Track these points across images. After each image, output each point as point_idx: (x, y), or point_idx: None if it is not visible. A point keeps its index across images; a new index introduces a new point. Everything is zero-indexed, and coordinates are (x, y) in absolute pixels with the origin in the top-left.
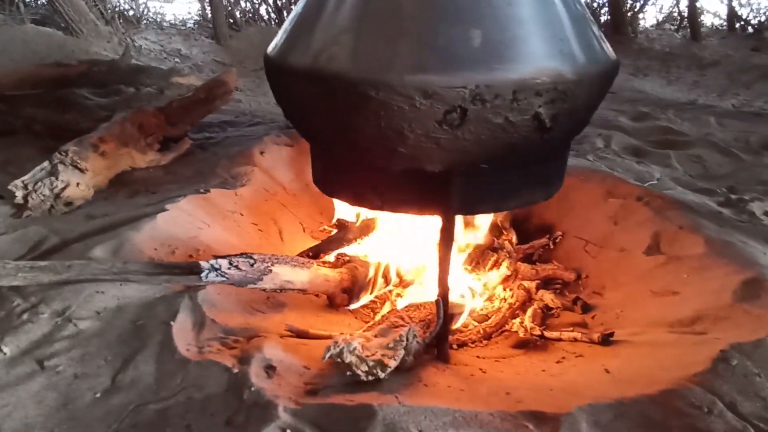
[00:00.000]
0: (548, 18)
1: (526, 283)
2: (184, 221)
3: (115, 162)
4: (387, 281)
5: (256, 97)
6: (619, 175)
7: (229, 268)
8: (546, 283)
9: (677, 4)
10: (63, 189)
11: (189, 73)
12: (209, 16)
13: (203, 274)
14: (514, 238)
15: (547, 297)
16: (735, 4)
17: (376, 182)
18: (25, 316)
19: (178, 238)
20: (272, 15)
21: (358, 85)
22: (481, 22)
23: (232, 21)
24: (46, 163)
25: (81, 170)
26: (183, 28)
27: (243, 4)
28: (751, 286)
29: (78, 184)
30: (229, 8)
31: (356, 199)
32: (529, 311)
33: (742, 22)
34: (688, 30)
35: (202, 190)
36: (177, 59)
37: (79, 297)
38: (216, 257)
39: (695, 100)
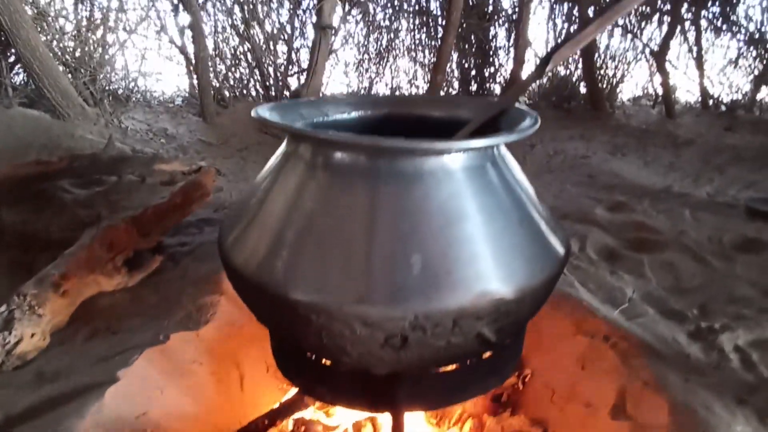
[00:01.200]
0: (491, 233)
1: None
2: (136, 392)
3: (78, 295)
4: None
5: (237, 183)
6: (588, 304)
7: None
8: None
9: (651, 81)
10: (16, 344)
11: (171, 158)
12: (197, 92)
13: None
14: None
15: None
16: (707, 82)
17: (324, 377)
18: None
19: (126, 420)
20: (260, 91)
21: (298, 307)
22: (421, 245)
23: (220, 97)
24: (3, 308)
25: (39, 315)
26: (171, 105)
27: (231, 81)
28: None
29: (33, 335)
30: (218, 86)
31: (306, 390)
32: None
33: (715, 101)
34: (662, 108)
35: (161, 338)
36: (163, 139)
37: None
38: None
39: (670, 187)
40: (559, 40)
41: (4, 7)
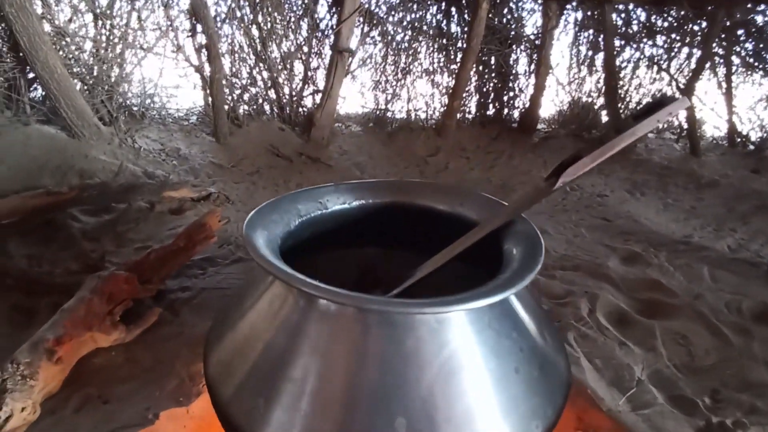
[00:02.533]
0: (487, 386)
1: None
2: None
3: (73, 357)
4: None
5: (246, 213)
6: (593, 392)
7: None
8: None
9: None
10: (6, 421)
11: (181, 184)
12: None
13: None
14: None
15: None
16: (735, 119)
17: None
18: None
19: None
20: (275, 110)
21: None
22: (408, 407)
23: (234, 116)
24: None
25: (31, 385)
26: (185, 123)
27: (246, 99)
28: None
29: (23, 409)
30: (232, 104)
31: None
32: None
33: (743, 139)
34: (687, 142)
35: (150, 416)
36: (175, 161)
37: None
38: None
39: (690, 237)
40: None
41: (23, 29)
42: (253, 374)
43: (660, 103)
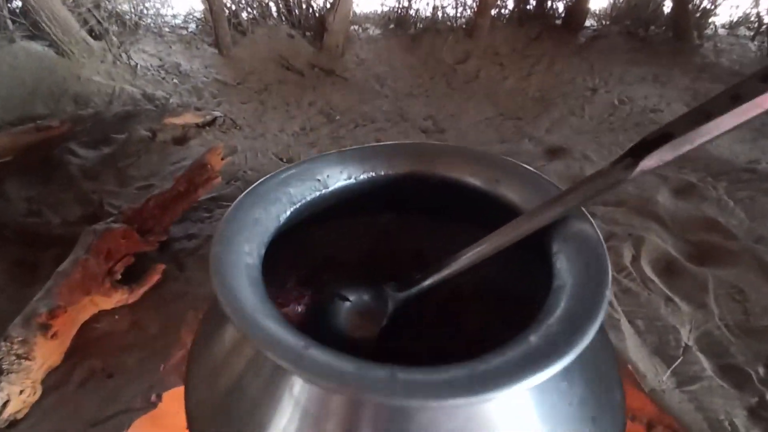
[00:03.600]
0: None
1: None
2: None
3: (71, 328)
4: None
5: (255, 140)
6: (634, 366)
7: None
8: None
9: (756, 4)
10: (4, 406)
11: (182, 109)
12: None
13: None
14: None
15: None
16: None
17: None
18: None
19: None
20: (283, 12)
21: None
22: None
23: (237, 22)
24: None
25: (28, 360)
26: (184, 32)
27: (249, 1)
28: None
29: (21, 391)
30: (234, 8)
31: None
32: None
33: None
34: (766, 40)
35: (154, 398)
36: (176, 79)
37: None
38: None
39: (757, 163)
40: None
41: None
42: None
43: None
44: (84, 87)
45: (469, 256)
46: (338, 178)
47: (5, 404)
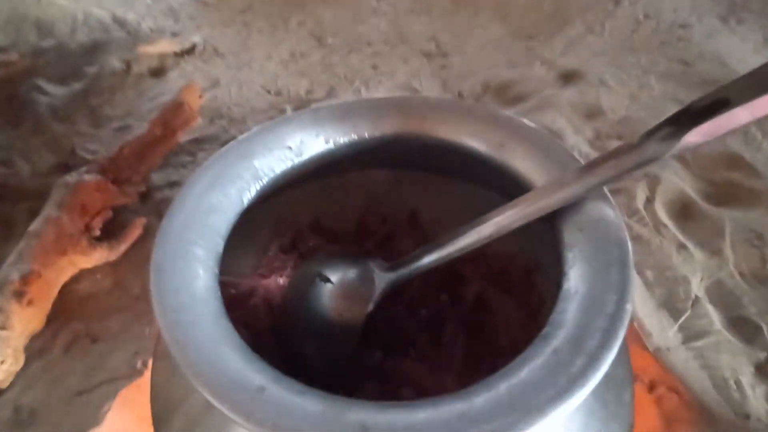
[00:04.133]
0: None
1: None
2: None
3: (48, 294)
4: None
5: (239, 70)
6: (639, 323)
7: None
8: None
9: None
10: None
11: (158, 37)
12: None
13: None
14: None
15: None
16: None
17: None
18: None
19: None
20: None
21: None
22: None
23: None
24: None
25: (5, 331)
26: None
27: None
28: None
29: (2, 361)
30: None
31: None
32: None
33: None
34: None
35: (139, 365)
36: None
37: None
38: None
39: None
40: None
41: None
42: None
43: None
44: (45, 11)
45: (469, 237)
46: (313, 143)
47: None
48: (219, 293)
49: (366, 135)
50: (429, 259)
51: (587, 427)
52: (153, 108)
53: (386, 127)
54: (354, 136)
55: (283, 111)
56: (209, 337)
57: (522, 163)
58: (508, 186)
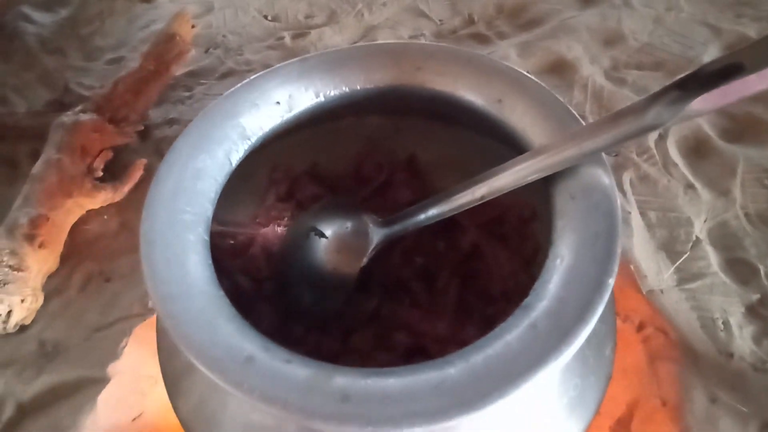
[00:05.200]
0: None
1: None
2: (128, 391)
3: (58, 235)
4: None
5: None
6: (636, 266)
7: None
8: None
9: None
10: (8, 315)
11: None
12: None
13: None
14: None
15: None
16: None
17: None
18: None
19: (122, 427)
20: None
21: None
22: None
23: None
24: None
25: (21, 272)
26: None
27: None
28: None
29: (22, 300)
30: None
31: None
32: None
33: None
34: None
35: (150, 304)
36: None
37: None
38: None
39: None
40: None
41: None
42: None
43: None
44: None
45: (463, 196)
46: (303, 97)
47: (9, 314)
48: (211, 262)
49: (358, 87)
50: (424, 215)
51: (565, 381)
52: (145, 38)
53: (378, 78)
54: (345, 89)
55: (281, 39)
56: (201, 308)
57: (520, 120)
58: (506, 137)
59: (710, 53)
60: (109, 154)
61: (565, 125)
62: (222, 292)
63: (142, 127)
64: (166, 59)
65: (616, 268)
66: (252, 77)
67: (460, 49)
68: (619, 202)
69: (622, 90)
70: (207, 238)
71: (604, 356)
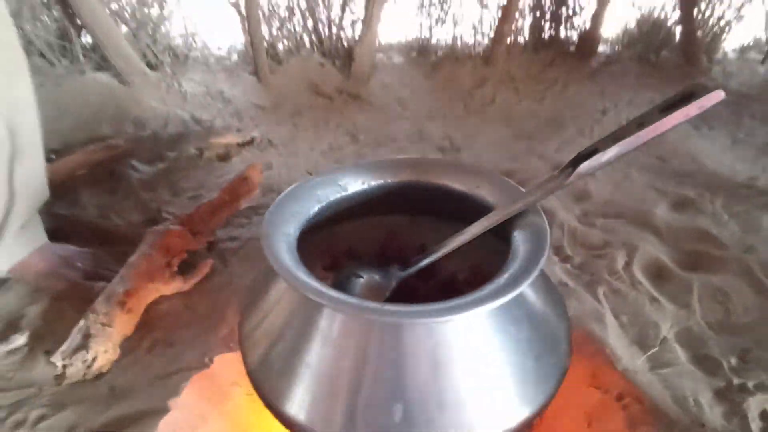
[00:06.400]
0: (476, 378)
1: None
2: (183, 422)
3: (140, 306)
4: None
5: (288, 157)
6: (611, 352)
7: None
8: None
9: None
10: (93, 360)
11: (226, 131)
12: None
13: None
14: None
15: None
16: None
17: None
18: None
19: None
20: (315, 42)
21: (293, 424)
22: (404, 394)
23: (274, 52)
24: (82, 323)
25: (109, 330)
26: (228, 63)
27: (285, 34)
28: None
29: (105, 351)
30: (271, 40)
31: None
32: None
33: None
34: None
35: (207, 360)
36: (220, 104)
37: None
38: None
39: (755, 180)
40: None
41: None
42: (276, 356)
43: (691, 94)
44: (142, 111)
45: (453, 242)
46: (355, 183)
47: (94, 360)
48: (296, 249)
49: (389, 180)
50: (426, 260)
51: (528, 352)
52: (220, 183)
53: (403, 175)
54: (381, 181)
55: None
56: (294, 266)
57: (490, 195)
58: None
59: (660, 208)
60: (185, 255)
61: (514, 194)
62: (300, 262)
63: (212, 239)
64: (238, 194)
65: (547, 253)
66: (326, 170)
67: (455, 160)
68: (549, 232)
69: (593, 230)
70: (294, 241)
71: (560, 352)
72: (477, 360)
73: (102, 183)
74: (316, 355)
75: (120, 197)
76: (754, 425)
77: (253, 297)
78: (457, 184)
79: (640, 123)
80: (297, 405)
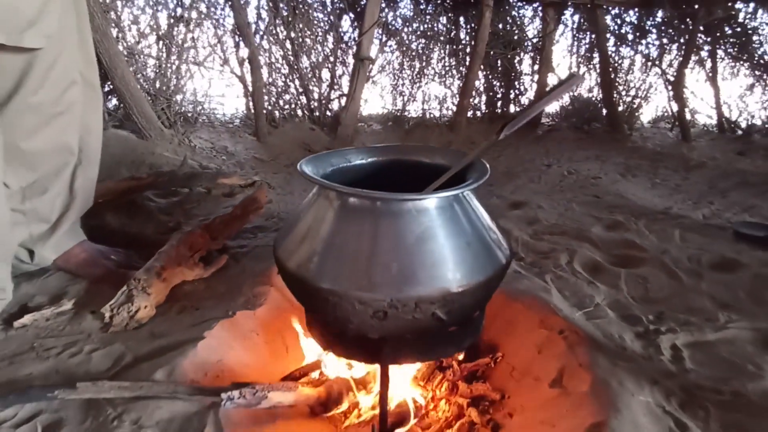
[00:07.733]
0: (448, 250)
1: (460, 400)
2: (215, 347)
3: (171, 281)
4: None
5: (285, 196)
6: (555, 306)
7: (239, 398)
8: (477, 400)
9: (670, 104)
10: (136, 312)
11: (231, 173)
12: (253, 114)
13: (222, 403)
14: (461, 357)
15: (474, 414)
16: (725, 108)
17: (337, 339)
18: (114, 422)
19: (210, 363)
20: (306, 113)
21: (321, 291)
22: (398, 257)
23: (271, 118)
24: (124, 287)
25: (148, 293)
26: (231, 126)
27: (282, 104)
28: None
29: (146, 306)
30: (270, 108)
31: (327, 347)
32: (456, 425)
33: (731, 125)
34: (679, 130)
35: (230, 313)
36: (224, 156)
37: (147, 410)
38: (233, 384)
39: (670, 209)
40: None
41: (105, 50)
42: (309, 246)
43: (567, 78)
44: (157, 159)
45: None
46: (356, 159)
47: (137, 311)
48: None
49: (381, 158)
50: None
51: (461, 237)
52: (224, 212)
53: (391, 156)
54: (375, 158)
55: None
56: (319, 177)
57: (448, 161)
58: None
59: (595, 228)
60: (204, 252)
61: (462, 156)
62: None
63: (222, 246)
64: (248, 210)
65: (485, 177)
66: (336, 149)
67: (428, 145)
68: (489, 169)
69: (541, 242)
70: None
71: (488, 240)
72: (446, 239)
73: (122, 209)
74: (339, 237)
75: (140, 220)
76: (666, 352)
77: (284, 230)
78: (426, 158)
79: (536, 100)
80: (326, 276)
